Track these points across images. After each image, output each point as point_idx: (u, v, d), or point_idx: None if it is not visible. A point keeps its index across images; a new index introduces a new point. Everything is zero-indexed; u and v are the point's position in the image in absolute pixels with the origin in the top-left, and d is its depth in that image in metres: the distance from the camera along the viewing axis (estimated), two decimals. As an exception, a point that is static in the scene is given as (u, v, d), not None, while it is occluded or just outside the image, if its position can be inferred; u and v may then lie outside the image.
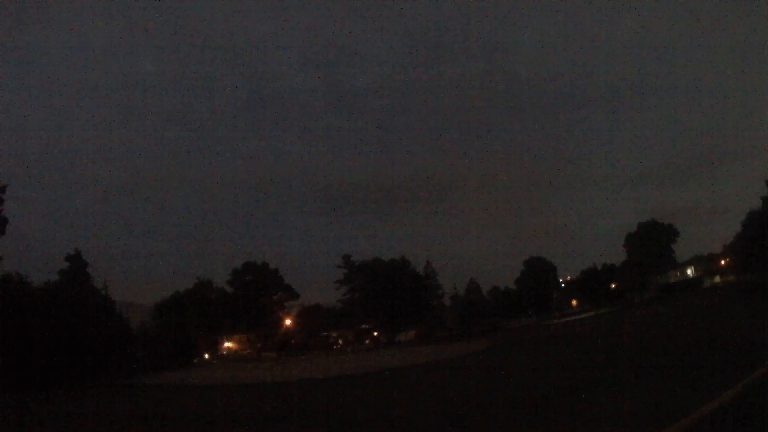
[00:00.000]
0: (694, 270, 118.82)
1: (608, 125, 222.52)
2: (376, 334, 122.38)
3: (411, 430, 15.98)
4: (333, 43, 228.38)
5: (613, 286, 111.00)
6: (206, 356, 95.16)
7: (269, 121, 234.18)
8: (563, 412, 14.67)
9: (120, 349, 59.17)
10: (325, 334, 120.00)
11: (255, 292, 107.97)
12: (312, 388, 33.34)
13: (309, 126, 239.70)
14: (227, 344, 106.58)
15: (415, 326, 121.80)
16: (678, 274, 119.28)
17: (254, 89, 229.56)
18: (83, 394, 38.77)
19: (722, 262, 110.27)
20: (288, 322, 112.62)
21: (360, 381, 34.99)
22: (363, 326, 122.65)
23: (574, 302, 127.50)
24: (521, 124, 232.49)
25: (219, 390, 38.65)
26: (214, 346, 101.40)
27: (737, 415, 9.01)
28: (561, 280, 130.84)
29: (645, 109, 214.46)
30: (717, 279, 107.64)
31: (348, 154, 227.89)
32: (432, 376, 33.18)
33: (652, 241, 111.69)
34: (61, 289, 59.24)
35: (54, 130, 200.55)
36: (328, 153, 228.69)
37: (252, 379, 44.74)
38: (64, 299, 51.81)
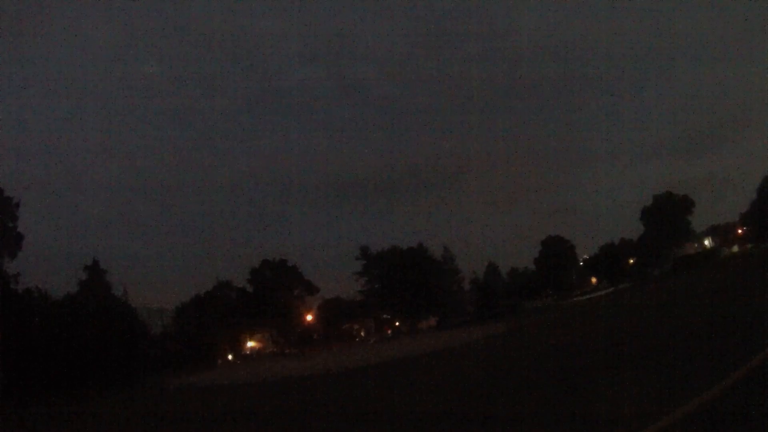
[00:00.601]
0: (712, 240, 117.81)
1: (617, 101, 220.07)
2: (397, 323, 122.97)
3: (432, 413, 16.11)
4: (334, 32, 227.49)
5: (632, 261, 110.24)
6: (230, 357, 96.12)
7: (275, 116, 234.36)
8: (580, 392, 14.74)
9: (141, 354, 59.99)
10: (347, 325, 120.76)
11: (275, 289, 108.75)
12: (333, 381, 33.64)
13: (315, 118, 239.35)
14: (250, 343, 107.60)
15: (436, 313, 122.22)
16: (696, 245, 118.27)
17: (258, 85, 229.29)
18: (107, 402, 39.39)
19: (739, 231, 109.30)
20: (309, 317, 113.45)
21: (380, 370, 35.24)
22: (384, 316, 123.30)
23: (593, 280, 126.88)
24: (529, 104, 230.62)
25: (240, 389, 39.08)
26: (237, 346, 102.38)
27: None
28: (579, 259, 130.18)
29: (654, 82, 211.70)
30: (735, 249, 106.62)
31: (356, 144, 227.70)
32: (451, 361, 33.32)
33: (669, 214, 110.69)
34: (81, 301, 60.07)
35: (60, 136, 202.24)
36: (336, 144, 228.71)
37: (272, 376, 45.14)
38: (84, 311, 52.60)
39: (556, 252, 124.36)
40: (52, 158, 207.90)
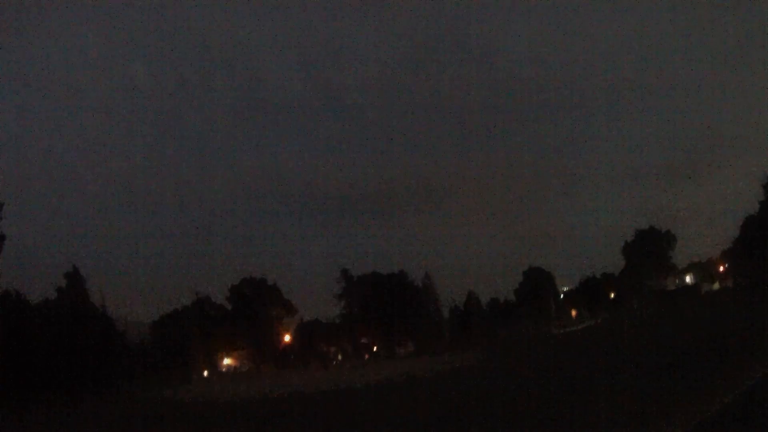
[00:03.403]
0: (693, 276, 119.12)
1: (604, 127, 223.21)
2: (375, 347, 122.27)
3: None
4: (327, 49, 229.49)
5: (612, 295, 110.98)
6: (205, 373, 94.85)
7: (264, 130, 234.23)
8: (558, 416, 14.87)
9: (117, 365, 59.12)
10: (324, 348, 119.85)
11: (253, 308, 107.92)
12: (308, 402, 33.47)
13: (304, 134, 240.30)
14: (226, 360, 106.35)
15: (414, 339, 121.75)
16: (677, 281, 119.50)
17: (246, 98, 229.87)
18: (81, 410, 38.78)
19: (720, 267, 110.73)
20: (287, 337, 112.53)
21: (366, 392, 35.18)
22: (362, 340, 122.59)
23: (573, 312, 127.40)
24: (517, 127, 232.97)
25: (211, 406, 38.74)
26: (213, 363, 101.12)
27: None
28: (560, 291, 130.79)
29: (642, 111, 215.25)
30: (716, 285, 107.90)
31: (341, 164, 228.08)
32: (431, 386, 33.34)
33: (651, 249, 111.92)
34: (58, 307, 59.26)
35: (49, 143, 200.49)
36: (323, 160, 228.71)
37: (247, 396, 44.74)
38: (60, 317, 51.90)
39: (536, 283, 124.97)
40: (37, 160, 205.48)
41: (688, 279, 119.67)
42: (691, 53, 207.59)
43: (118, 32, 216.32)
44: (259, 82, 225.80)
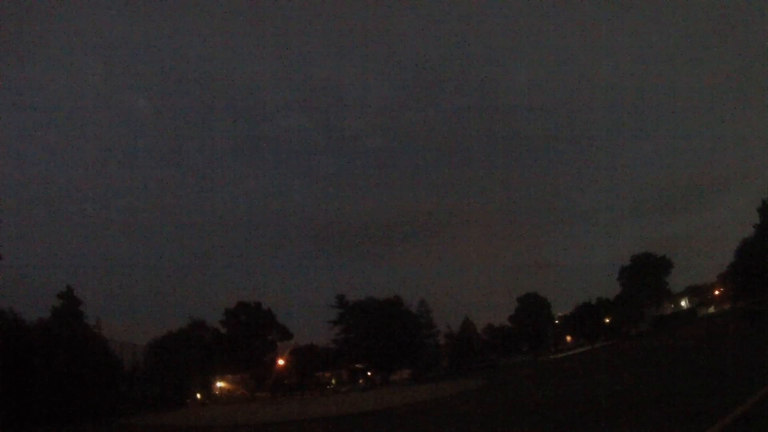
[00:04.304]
0: (689, 301, 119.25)
1: (603, 157, 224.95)
2: (370, 373, 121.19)
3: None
4: (327, 84, 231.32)
5: (608, 320, 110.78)
6: (198, 396, 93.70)
7: (263, 161, 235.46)
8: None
9: (112, 388, 58.30)
10: (319, 374, 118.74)
11: (248, 332, 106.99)
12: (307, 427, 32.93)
13: (303, 166, 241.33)
14: (220, 384, 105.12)
15: (410, 366, 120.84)
16: (672, 306, 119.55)
17: (246, 129, 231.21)
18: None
19: (716, 292, 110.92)
20: (281, 362, 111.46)
21: (358, 420, 34.60)
22: (357, 366, 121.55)
23: (568, 338, 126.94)
24: (515, 157, 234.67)
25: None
26: (207, 387, 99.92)
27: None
28: (555, 317, 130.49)
29: (639, 140, 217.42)
30: (711, 309, 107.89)
31: (342, 194, 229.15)
32: (429, 414, 32.83)
33: (647, 274, 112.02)
34: (54, 327, 58.52)
35: (48, 166, 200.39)
36: (322, 193, 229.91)
37: (243, 421, 44.01)
38: (56, 337, 51.23)
39: (532, 309, 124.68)
40: (39, 184, 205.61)
41: (683, 303, 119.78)
42: (688, 83, 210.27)
43: (121, 64, 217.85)
44: (259, 116, 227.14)
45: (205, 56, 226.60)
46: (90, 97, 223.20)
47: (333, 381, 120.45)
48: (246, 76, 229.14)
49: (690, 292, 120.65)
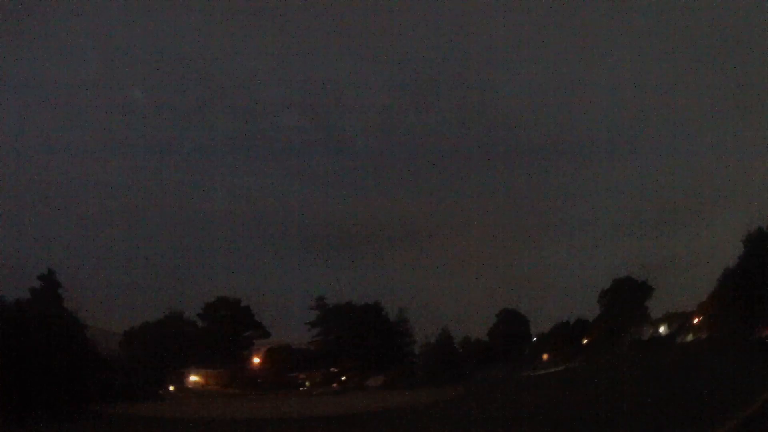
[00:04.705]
0: (668, 327, 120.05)
1: (589, 177, 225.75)
2: (344, 378, 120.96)
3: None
4: (325, 81, 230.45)
5: (585, 341, 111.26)
6: (171, 389, 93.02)
7: (254, 158, 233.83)
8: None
9: (87, 374, 57.73)
10: (294, 374, 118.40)
11: (226, 328, 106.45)
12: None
13: (295, 165, 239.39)
14: (193, 378, 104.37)
15: (385, 372, 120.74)
16: (651, 331, 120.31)
17: (243, 125, 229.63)
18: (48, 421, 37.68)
19: (696, 320, 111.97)
20: (257, 360, 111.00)
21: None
22: (332, 369, 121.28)
23: (545, 356, 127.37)
24: (507, 170, 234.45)
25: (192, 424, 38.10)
26: (181, 379, 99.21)
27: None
28: (534, 334, 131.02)
29: (625, 161, 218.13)
30: (690, 336, 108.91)
31: (332, 195, 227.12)
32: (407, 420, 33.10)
33: (627, 298, 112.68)
34: (30, 308, 58.00)
35: (39, 152, 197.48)
36: (312, 192, 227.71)
37: (219, 415, 44.05)
38: (34, 318, 50.76)
39: (510, 325, 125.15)
40: (28, 174, 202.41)
41: (662, 329, 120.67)
42: (675, 107, 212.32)
43: (118, 52, 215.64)
44: (254, 113, 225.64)
45: (203, 50, 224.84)
46: (84, 83, 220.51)
47: (307, 383, 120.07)
48: (243, 73, 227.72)
49: (669, 318, 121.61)
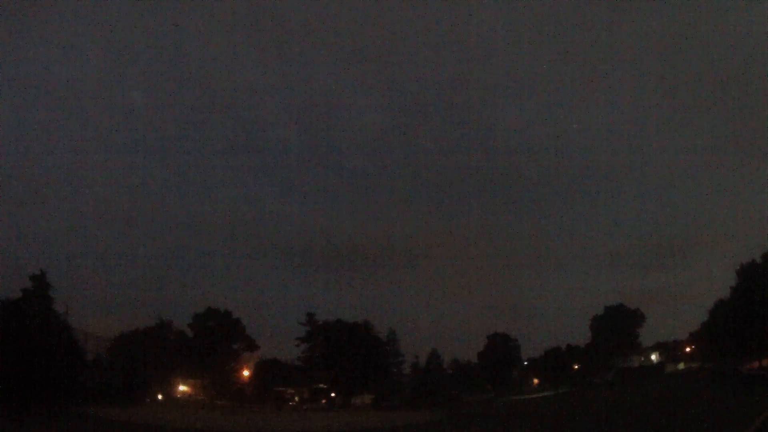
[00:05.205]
0: (659, 356, 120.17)
1: (586, 206, 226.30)
2: (332, 394, 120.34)
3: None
4: (318, 99, 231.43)
5: (576, 367, 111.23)
6: (159, 397, 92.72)
7: (249, 169, 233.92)
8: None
9: (73, 376, 57.40)
10: (281, 389, 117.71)
11: (214, 339, 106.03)
12: None
13: (287, 179, 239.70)
14: (181, 387, 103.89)
15: (373, 391, 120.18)
16: (642, 359, 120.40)
17: (239, 135, 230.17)
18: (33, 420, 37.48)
19: (687, 349, 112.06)
20: (245, 373, 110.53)
21: None
22: (321, 386, 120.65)
23: (535, 381, 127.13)
24: (499, 198, 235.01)
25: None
26: (168, 388, 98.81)
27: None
28: (524, 359, 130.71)
29: (618, 192, 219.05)
30: (681, 365, 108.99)
31: (323, 211, 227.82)
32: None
33: (618, 325, 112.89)
34: (20, 308, 57.72)
35: (34, 151, 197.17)
36: (303, 207, 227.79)
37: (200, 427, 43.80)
38: (25, 318, 50.53)
39: (500, 348, 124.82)
40: (23, 172, 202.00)
41: (653, 357, 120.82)
42: (669, 140, 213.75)
43: (119, 52, 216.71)
44: (250, 124, 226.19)
45: (204, 56, 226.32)
46: (84, 83, 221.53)
47: (295, 398, 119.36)
48: (241, 83, 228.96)
49: (660, 347, 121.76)
